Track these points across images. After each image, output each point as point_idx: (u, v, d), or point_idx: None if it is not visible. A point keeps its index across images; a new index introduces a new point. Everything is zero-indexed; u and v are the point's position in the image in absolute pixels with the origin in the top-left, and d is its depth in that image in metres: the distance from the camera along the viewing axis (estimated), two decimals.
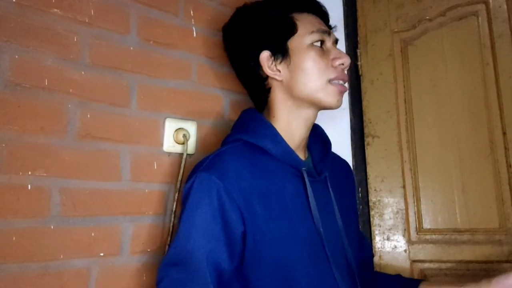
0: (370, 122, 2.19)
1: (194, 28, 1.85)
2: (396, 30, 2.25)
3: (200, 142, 1.79)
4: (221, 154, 1.40)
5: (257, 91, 1.60)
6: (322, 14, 1.63)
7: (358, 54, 2.27)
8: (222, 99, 1.90)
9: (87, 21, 1.56)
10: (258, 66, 1.54)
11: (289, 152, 1.47)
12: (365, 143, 2.19)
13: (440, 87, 2.12)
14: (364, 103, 2.23)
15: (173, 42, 1.78)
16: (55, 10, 1.50)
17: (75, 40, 1.52)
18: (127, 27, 1.66)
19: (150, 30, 1.72)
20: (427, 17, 2.20)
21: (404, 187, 2.10)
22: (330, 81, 1.49)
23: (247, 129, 1.51)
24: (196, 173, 1.34)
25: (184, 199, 1.35)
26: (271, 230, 1.34)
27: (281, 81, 1.53)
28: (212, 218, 1.29)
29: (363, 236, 1.87)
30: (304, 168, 1.48)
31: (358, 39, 2.30)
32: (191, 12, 1.85)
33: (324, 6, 1.65)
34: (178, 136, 1.70)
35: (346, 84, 1.56)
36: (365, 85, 2.24)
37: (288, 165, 1.47)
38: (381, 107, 2.20)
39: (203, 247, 1.26)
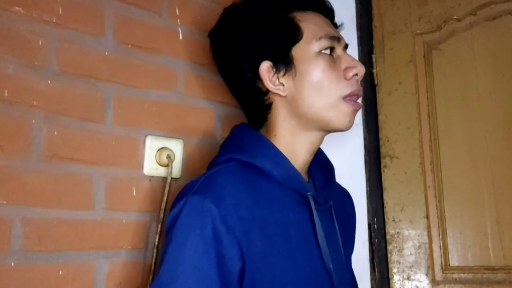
0: (388, 141, 2.21)
1: (180, 30, 1.87)
2: (418, 31, 2.27)
3: (187, 164, 1.80)
4: (215, 175, 1.37)
5: (254, 107, 1.58)
6: (327, 11, 1.61)
7: (374, 60, 2.29)
8: (212, 113, 1.91)
9: (54, 21, 1.57)
10: (257, 79, 1.51)
11: (293, 175, 1.46)
12: (382, 165, 2.21)
13: (470, 98, 2.13)
14: (381, 117, 2.25)
15: (155, 46, 1.79)
16: (17, 8, 1.50)
17: (40, 43, 1.53)
18: (101, 29, 1.67)
19: (129, 31, 1.73)
20: (455, 17, 2.21)
21: (427, 217, 2.11)
22: (344, 98, 1.47)
23: (242, 147, 1.50)
24: (185, 196, 1.31)
25: (169, 229, 1.32)
26: (272, 268, 1.32)
27: (285, 96, 1.50)
28: (204, 253, 1.25)
29: (355, 280, 1.87)
30: (310, 193, 1.46)
31: (374, 42, 2.32)
32: (177, 10, 1.87)
33: (328, 1, 1.63)
34: (161, 156, 1.70)
35: (360, 100, 1.56)
36: (381, 96, 2.26)
37: (291, 190, 1.46)
38: (400, 123, 2.21)
39: None
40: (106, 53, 1.67)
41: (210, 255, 1.25)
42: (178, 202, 1.33)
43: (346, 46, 1.57)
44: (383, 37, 2.30)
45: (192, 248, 1.26)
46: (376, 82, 2.26)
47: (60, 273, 1.48)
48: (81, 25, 1.62)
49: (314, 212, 1.45)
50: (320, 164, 1.70)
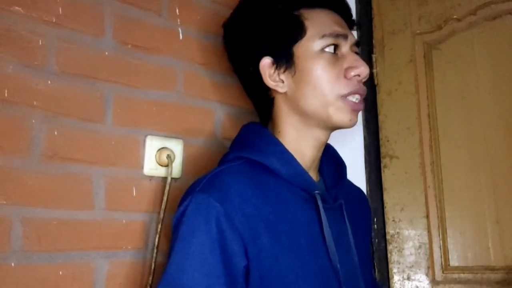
0: (388, 140, 2.21)
1: (180, 30, 1.87)
2: (418, 31, 2.26)
3: (187, 164, 1.80)
4: (221, 173, 1.40)
5: (259, 101, 1.61)
6: (340, 9, 1.58)
7: (374, 60, 2.29)
8: (213, 114, 1.91)
9: (54, 21, 1.56)
10: (259, 74, 1.52)
11: (300, 173, 1.46)
12: (382, 165, 2.21)
13: (470, 99, 2.13)
14: (381, 117, 2.25)
15: (155, 46, 1.79)
16: (17, 8, 1.50)
17: (40, 43, 1.53)
18: (101, 29, 1.67)
19: (128, 31, 1.73)
20: (455, 16, 2.20)
21: (427, 217, 2.11)
22: (342, 97, 1.45)
23: (250, 145, 1.51)
24: (191, 194, 1.34)
25: (176, 226, 1.35)
26: (280, 265, 1.33)
27: (284, 93, 1.52)
28: (210, 249, 1.28)
29: (376, 282, 1.86)
30: (317, 192, 1.47)
31: (374, 42, 2.32)
32: (177, 10, 1.86)
33: None
34: (161, 157, 1.70)
35: (361, 100, 1.52)
36: (381, 96, 2.26)
37: (299, 188, 1.47)
38: (400, 123, 2.21)
39: (199, 284, 1.26)
40: (106, 53, 1.67)
41: (215, 251, 1.28)
42: (184, 200, 1.35)
43: (356, 44, 1.55)
44: (383, 37, 2.30)
45: (198, 244, 1.28)
46: (376, 82, 2.26)
47: (60, 273, 1.48)
48: (81, 25, 1.62)
49: (321, 211, 1.45)
50: (331, 162, 1.70)
